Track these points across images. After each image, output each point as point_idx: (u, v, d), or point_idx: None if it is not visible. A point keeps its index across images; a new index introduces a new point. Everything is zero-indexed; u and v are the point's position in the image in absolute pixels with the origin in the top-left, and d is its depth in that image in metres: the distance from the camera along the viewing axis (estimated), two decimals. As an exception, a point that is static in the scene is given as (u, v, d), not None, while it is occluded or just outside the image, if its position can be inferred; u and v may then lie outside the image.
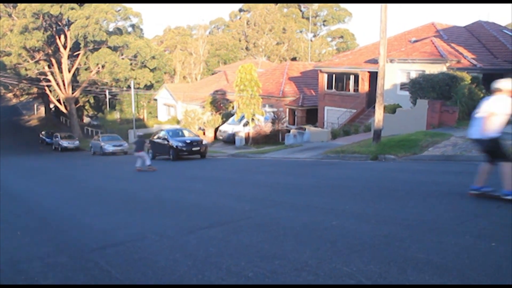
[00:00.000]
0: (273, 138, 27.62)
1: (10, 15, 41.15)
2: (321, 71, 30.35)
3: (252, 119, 27.61)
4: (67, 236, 5.98)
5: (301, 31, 70.55)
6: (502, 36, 26.16)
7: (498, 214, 5.34)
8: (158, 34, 78.04)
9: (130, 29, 47.21)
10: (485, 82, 20.63)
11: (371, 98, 24.91)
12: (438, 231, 4.70)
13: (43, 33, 40.58)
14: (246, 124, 28.37)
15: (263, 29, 63.71)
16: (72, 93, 45.90)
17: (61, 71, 44.26)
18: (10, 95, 60.32)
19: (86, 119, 59.47)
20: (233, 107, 34.51)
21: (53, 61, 43.63)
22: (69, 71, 44.55)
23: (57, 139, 38.28)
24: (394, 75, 23.50)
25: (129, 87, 43.70)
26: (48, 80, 44.53)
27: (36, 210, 8.72)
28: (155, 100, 48.78)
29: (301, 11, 71.46)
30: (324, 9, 70.25)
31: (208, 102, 36.48)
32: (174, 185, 11.75)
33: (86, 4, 40.27)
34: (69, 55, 43.98)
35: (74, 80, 46.56)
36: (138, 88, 45.32)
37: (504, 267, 3.60)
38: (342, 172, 11.39)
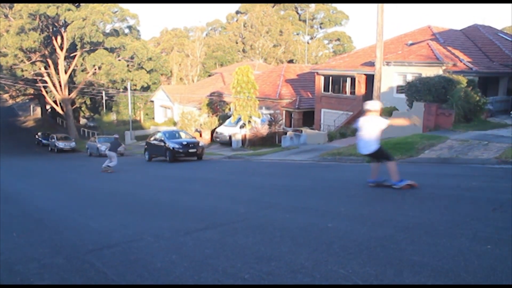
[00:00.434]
0: (269, 140, 27.65)
1: (6, 16, 41.04)
2: (317, 74, 30.39)
3: (249, 121, 27.64)
4: (63, 237, 5.95)
5: (298, 34, 70.69)
6: (498, 40, 26.32)
7: (493, 217, 5.37)
8: (155, 35, 78.05)
9: (127, 31, 47.16)
10: (481, 85, 20.78)
11: (367, 100, 24.89)
12: (433, 234, 4.72)
13: (40, 34, 40.49)
14: (242, 126, 28.38)
15: (260, 31, 63.78)
16: (69, 95, 45.80)
17: (57, 72, 44.15)
18: (6, 96, 60.14)
19: (82, 121, 59.34)
20: (229, 109, 34.52)
21: (50, 62, 43.52)
22: (66, 72, 44.46)
23: (53, 140, 38.14)
24: (391, 78, 23.55)
25: (125, 88, 43.65)
26: (45, 81, 44.41)
27: (32, 211, 8.66)
28: (152, 101, 48.68)
29: (298, 13, 71.64)
30: (321, 12, 70.48)
31: (205, 104, 36.46)
32: (171, 186, 11.73)
33: (83, 5, 40.22)
34: (65, 56, 43.93)
35: (71, 81, 46.47)
36: (134, 89, 45.27)
37: (499, 269, 3.62)
38: (338, 174, 11.43)
